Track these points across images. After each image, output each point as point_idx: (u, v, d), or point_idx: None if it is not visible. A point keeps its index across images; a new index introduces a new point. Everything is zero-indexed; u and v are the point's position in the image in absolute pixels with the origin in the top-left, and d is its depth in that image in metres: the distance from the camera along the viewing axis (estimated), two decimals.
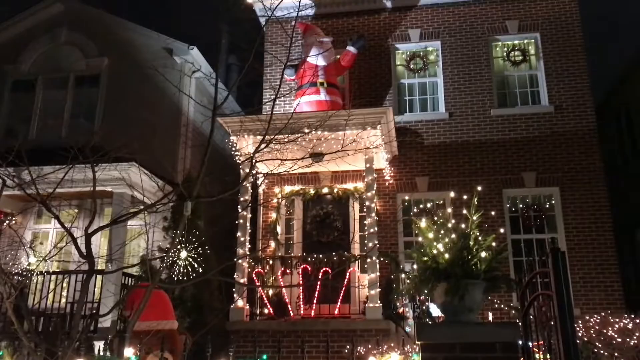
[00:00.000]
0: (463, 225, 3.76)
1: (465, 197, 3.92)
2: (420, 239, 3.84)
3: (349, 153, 7.32)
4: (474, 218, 3.75)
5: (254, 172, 9.93)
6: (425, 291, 3.74)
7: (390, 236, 10.89)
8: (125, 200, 9.96)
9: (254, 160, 4.62)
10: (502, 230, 8.94)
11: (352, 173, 11.28)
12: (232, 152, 10.06)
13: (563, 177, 10.74)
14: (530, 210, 10.72)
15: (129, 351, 3.61)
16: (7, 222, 11.13)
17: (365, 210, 9.84)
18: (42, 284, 9.73)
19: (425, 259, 3.64)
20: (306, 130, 9.27)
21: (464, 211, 3.81)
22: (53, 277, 9.78)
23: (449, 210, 3.93)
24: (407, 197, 11.15)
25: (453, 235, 3.67)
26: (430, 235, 3.69)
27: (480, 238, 3.71)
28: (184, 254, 5.08)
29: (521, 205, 10.85)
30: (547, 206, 10.73)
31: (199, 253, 5.78)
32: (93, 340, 8.00)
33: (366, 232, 9.56)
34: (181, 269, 5.56)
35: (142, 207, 11.39)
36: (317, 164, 10.53)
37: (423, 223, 3.79)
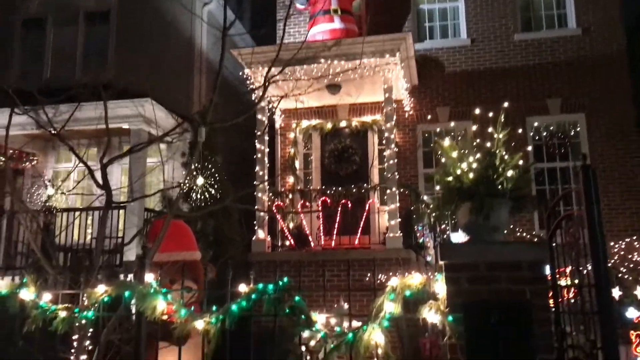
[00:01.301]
0: (488, 144, 3.60)
1: (491, 114, 3.74)
2: (443, 160, 3.70)
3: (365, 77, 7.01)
4: (500, 136, 3.58)
5: (270, 105, 9.77)
6: (448, 213, 3.64)
7: (410, 168, 10.76)
8: (142, 137, 9.91)
9: (267, 81, 4.44)
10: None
11: (370, 105, 11.04)
12: (247, 85, 9.85)
13: (589, 103, 10.38)
14: (554, 138, 10.44)
15: (149, 277, 3.60)
16: (28, 161, 11.27)
17: (384, 142, 9.67)
18: (67, 220, 9.92)
19: (449, 179, 3.52)
20: (322, 61, 9.02)
21: (490, 129, 3.64)
22: (77, 213, 9.93)
23: (474, 128, 3.74)
24: (427, 128, 10.92)
25: (478, 155, 3.52)
26: (454, 154, 3.54)
27: (506, 157, 3.55)
28: (200, 180, 5.02)
29: (545, 133, 10.57)
30: (572, 133, 10.44)
31: (216, 182, 5.73)
32: (118, 273, 8.19)
33: (385, 165, 9.43)
34: (198, 195, 5.54)
35: (159, 142, 11.39)
36: (334, 96, 10.33)
37: (446, 141, 3.63)
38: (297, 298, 3.46)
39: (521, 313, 3.12)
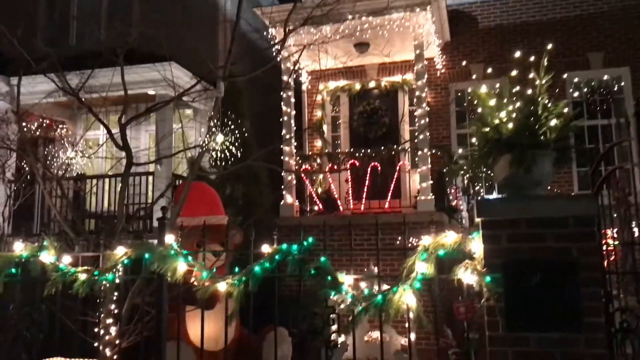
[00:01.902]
0: (530, 92, 3.29)
1: (532, 58, 3.41)
2: (479, 110, 3.40)
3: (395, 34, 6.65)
4: (543, 81, 3.25)
5: (297, 66, 9.46)
6: (482, 174, 3.36)
7: (442, 129, 10.38)
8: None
9: (287, 29, 4.18)
10: None
11: (400, 64, 10.63)
12: (272, 47, 9.55)
13: (634, 56, 9.75)
14: (596, 94, 9.88)
15: (169, 238, 3.46)
16: (58, 130, 11.30)
17: (415, 102, 9.30)
18: (97, 187, 9.97)
19: (486, 129, 3.23)
20: (349, 17, 8.65)
21: (531, 75, 3.32)
22: (107, 181, 9.95)
23: (514, 72, 3.41)
24: (459, 87, 10.48)
25: (518, 103, 3.21)
26: (492, 102, 3.24)
27: (549, 105, 3.24)
28: (220, 137, 4.84)
29: (585, 90, 10.01)
30: (615, 89, 9.85)
31: (242, 145, 5.56)
32: (147, 239, 8.17)
33: (416, 125, 9.09)
34: (224, 155, 5.38)
35: (185, 109, 11.29)
36: (363, 56, 9.96)
37: (483, 89, 3.33)
38: (322, 259, 3.28)
39: (566, 273, 2.86)
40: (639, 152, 2.99)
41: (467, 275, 2.97)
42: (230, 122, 7.10)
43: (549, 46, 3.50)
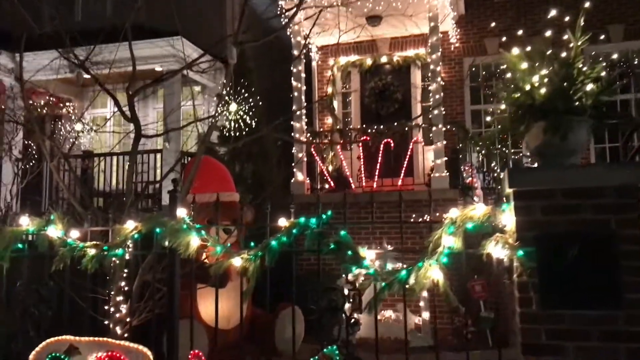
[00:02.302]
0: (564, 54, 3.07)
1: (566, 18, 3.19)
2: (509, 75, 3.19)
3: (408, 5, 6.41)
4: (579, 43, 3.04)
5: (307, 40, 9.22)
6: (515, 135, 3.17)
7: (456, 105, 10.14)
8: (176, 78, 9.58)
9: None
10: None
11: (413, 38, 10.35)
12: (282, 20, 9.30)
13: None
14: (616, 68, 9.58)
15: (181, 211, 3.30)
16: (65, 107, 11.15)
17: (429, 76, 9.05)
18: (105, 165, 9.84)
19: (517, 95, 3.02)
20: None
21: (565, 36, 3.10)
22: (115, 158, 9.82)
23: (548, 33, 3.19)
24: (474, 62, 10.20)
25: (551, 66, 3.00)
26: (523, 66, 3.04)
27: (585, 68, 3.03)
28: (233, 106, 4.66)
29: (604, 64, 9.69)
30: (636, 62, 9.55)
31: (252, 118, 5.38)
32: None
33: (430, 101, 8.85)
34: (229, 128, 5.21)
35: (193, 86, 11.10)
36: (375, 30, 9.69)
37: (515, 51, 3.12)
38: (342, 232, 3.11)
39: (604, 246, 2.68)
40: None
41: (497, 250, 2.80)
42: (239, 98, 6.93)
43: (587, 4, 3.26)
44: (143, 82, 10.33)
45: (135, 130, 4.21)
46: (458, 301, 2.98)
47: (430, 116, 8.79)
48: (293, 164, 9.02)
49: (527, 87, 3.00)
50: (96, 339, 3.36)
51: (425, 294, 7.33)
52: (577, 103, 2.93)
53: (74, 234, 3.47)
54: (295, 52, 9.23)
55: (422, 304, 7.56)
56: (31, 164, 8.83)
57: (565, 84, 2.95)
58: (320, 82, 10.84)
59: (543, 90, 2.95)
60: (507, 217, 2.89)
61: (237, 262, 3.18)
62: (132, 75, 4.41)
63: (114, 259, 3.66)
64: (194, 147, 9.73)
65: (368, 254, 3.02)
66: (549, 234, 2.73)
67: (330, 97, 10.73)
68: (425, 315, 7.54)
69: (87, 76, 12.33)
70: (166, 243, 3.27)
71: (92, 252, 3.33)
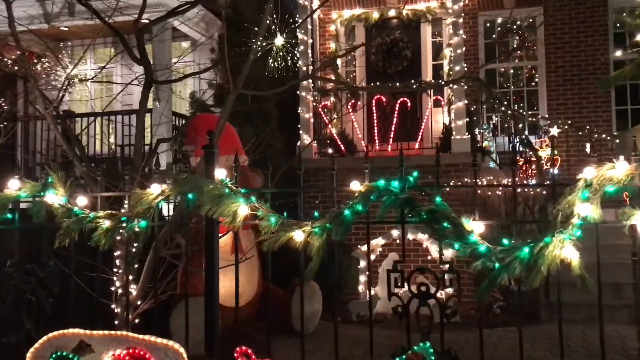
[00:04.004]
0: None
1: None
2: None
3: None
4: None
5: None
6: None
7: (469, 63, 9.43)
8: (166, 28, 8.64)
9: None
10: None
11: None
12: None
13: None
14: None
15: (220, 172, 2.59)
16: (39, 63, 10.10)
17: (451, 29, 8.30)
18: (87, 128, 8.93)
19: None
20: None
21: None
22: (98, 119, 8.92)
23: None
24: (489, 17, 9.52)
25: None
26: None
27: None
28: (279, 40, 3.88)
29: (629, 20, 9.12)
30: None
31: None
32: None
33: (452, 56, 8.14)
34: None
35: (182, 42, 10.14)
36: None
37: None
38: (438, 199, 2.43)
39: None
40: None
41: None
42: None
43: None
44: (128, 37, 9.41)
45: (145, 75, 3.42)
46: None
47: (450, 72, 8.08)
48: (299, 125, 8.26)
49: None
50: (112, 332, 2.66)
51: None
52: None
53: (81, 200, 2.71)
54: (301, 1, 8.36)
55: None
56: (3, 124, 7.88)
57: None
58: (322, 37, 9.99)
59: None
60: None
61: (298, 236, 2.48)
62: (142, 7, 3.57)
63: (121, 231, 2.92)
64: (186, 109, 8.91)
65: (476, 227, 2.36)
66: None
67: (333, 54, 9.91)
68: (450, 289, 6.98)
69: (64, 28, 11.08)
70: (205, 211, 2.54)
71: (107, 224, 2.58)
